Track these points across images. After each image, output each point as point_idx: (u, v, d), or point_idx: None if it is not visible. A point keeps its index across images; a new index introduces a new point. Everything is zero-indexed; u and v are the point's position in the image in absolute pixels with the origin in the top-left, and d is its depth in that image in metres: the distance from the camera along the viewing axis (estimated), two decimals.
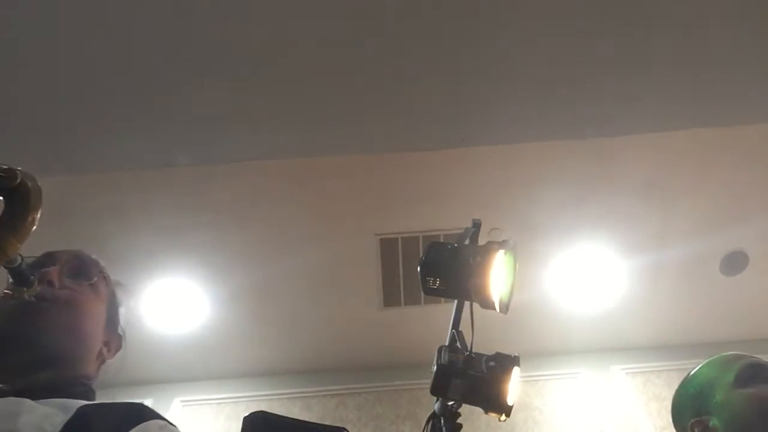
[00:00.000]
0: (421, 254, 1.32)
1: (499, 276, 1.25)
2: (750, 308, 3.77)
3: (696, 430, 1.30)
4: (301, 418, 0.99)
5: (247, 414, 0.99)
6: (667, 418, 1.39)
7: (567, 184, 3.13)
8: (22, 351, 0.95)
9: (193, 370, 3.82)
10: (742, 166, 3.13)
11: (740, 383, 1.27)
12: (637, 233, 3.41)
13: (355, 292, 3.61)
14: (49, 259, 1.08)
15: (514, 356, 1.30)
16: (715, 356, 1.38)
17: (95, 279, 1.11)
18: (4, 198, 0.72)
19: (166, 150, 2.69)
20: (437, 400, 1.29)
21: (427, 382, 1.28)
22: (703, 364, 1.39)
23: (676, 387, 1.42)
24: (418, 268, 1.29)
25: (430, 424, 1.30)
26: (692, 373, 1.39)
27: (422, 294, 1.77)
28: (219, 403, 3.84)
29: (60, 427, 0.83)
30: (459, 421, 1.29)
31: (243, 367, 3.86)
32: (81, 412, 0.86)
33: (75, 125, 2.59)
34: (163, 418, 0.91)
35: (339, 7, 2.33)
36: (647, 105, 2.69)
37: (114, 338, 1.15)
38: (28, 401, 0.87)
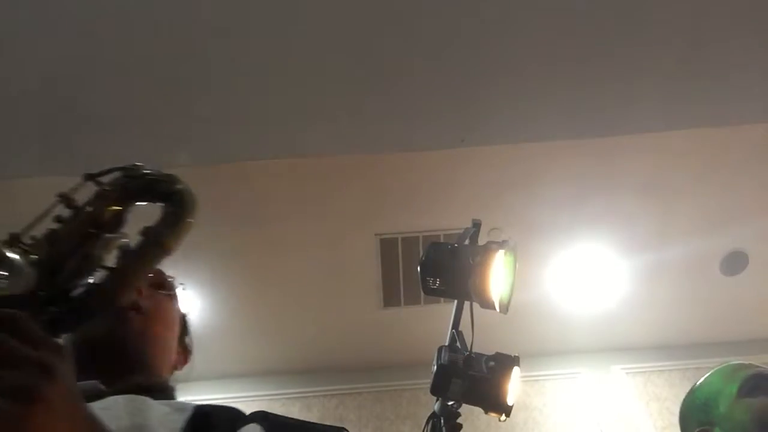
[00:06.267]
0: (421, 254, 1.32)
1: (499, 276, 1.25)
2: (750, 308, 3.77)
3: None
4: (301, 418, 0.99)
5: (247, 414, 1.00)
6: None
7: (567, 184, 3.13)
8: (114, 356, 0.98)
9: (192, 371, 3.81)
10: (742, 166, 3.13)
11: (743, 393, 1.29)
12: (638, 233, 3.41)
13: (355, 292, 3.60)
14: None
15: (514, 356, 1.30)
16: (722, 366, 1.40)
17: (173, 291, 1.15)
18: (163, 202, 0.78)
19: (166, 149, 2.69)
20: (437, 400, 1.29)
21: (427, 382, 1.28)
22: (709, 373, 1.41)
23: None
24: (418, 268, 1.29)
25: (430, 424, 1.29)
26: (698, 383, 1.41)
27: (422, 294, 1.77)
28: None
29: (183, 423, 0.87)
30: (459, 421, 1.29)
31: (242, 367, 3.86)
32: (199, 410, 0.91)
33: (73, 125, 2.59)
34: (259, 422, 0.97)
35: (339, 9, 2.33)
36: (647, 105, 2.68)
37: (184, 350, 1.20)
38: (149, 399, 0.91)
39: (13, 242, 0.68)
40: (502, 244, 1.27)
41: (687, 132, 2.91)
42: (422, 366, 1.46)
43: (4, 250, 0.65)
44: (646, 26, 2.43)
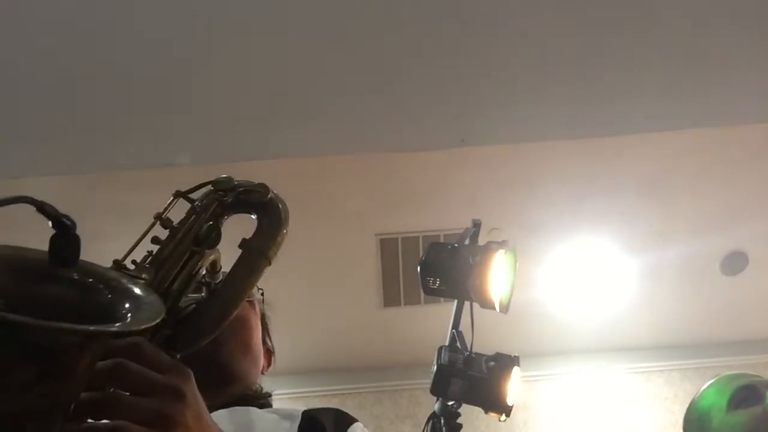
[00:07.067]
0: (421, 254, 1.32)
1: (498, 276, 1.25)
2: (750, 308, 3.77)
3: None
4: None
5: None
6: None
7: (567, 184, 3.13)
8: (207, 369, 0.93)
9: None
10: (742, 166, 3.13)
11: (733, 406, 1.32)
12: (638, 233, 3.41)
13: (355, 292, 3.60)
14: None
15: (514, 356, 1.30)
16: (718, 377, 1.43)
17: (253, 297, 1.13)
18: (256, 213, 0.78)
19: (166, 150, 2.69)
20: (437, 400, 1.29)
21: (427, 382, 1.28)
22: (706, 386, 1.44)
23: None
24: (418, 268, 1.30)
25: (430, 424, 1.30)
26: (696, 396, 1.44)
27: (422, 294, 1.77)
28: None
29: (296, 431, 0.87)
30: (459, 421, 1.29)
31: None
32: (307, 416, 0.92)
33: (73, 125, 2.59)
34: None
35: (340, 8, 2.33)
36: (647, 105, 2.68)
37: (267, 352, 1.19)
38: (255, 409, 0.91)
39: (119, 270, 0.66)
40: (502, 244, 1.27)
41: (687, 132, 2.91)
42: (422, 366, 1.46)
43: (132, 285, 0.62)
44: (646, 26, 2.43)
